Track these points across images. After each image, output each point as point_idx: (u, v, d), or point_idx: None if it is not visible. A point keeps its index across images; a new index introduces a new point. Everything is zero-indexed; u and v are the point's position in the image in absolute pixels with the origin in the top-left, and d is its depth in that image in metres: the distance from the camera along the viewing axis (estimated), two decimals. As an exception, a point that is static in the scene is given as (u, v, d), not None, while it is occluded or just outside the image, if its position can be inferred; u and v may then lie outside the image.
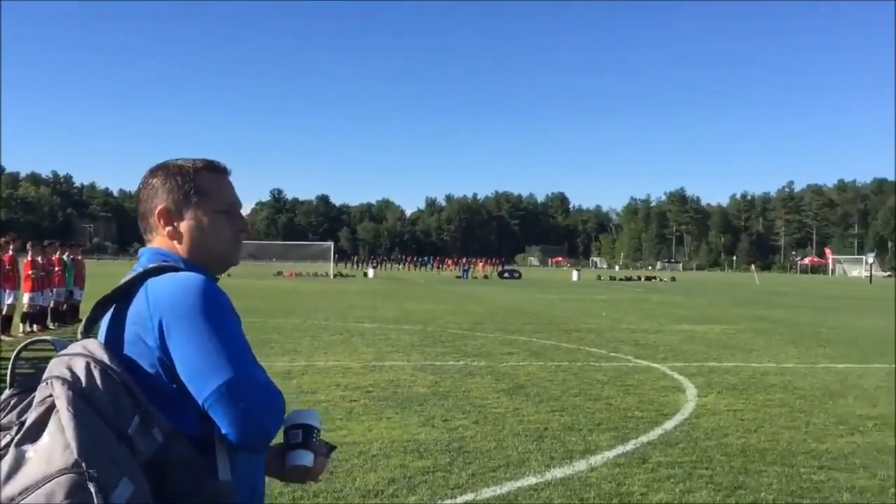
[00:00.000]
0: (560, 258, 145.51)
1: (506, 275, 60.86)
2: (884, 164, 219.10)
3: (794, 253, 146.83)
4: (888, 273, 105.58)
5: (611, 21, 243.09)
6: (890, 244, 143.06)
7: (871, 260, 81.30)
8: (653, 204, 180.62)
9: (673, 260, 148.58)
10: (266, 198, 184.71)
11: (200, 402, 1.44)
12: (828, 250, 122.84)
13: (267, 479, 1.70)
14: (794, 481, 5.25)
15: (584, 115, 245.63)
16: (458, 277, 59.17)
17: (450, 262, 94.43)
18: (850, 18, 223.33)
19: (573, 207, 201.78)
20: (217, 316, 1.48)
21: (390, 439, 6.24)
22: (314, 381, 9.08)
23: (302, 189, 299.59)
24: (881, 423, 7.17)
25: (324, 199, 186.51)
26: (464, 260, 79.72)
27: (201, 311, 1.46)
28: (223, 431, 1.44)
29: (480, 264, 76.57)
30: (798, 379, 9.86)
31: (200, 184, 1.66)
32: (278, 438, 1.66)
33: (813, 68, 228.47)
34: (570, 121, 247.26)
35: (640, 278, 64.09)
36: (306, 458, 1.62)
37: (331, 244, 63.99)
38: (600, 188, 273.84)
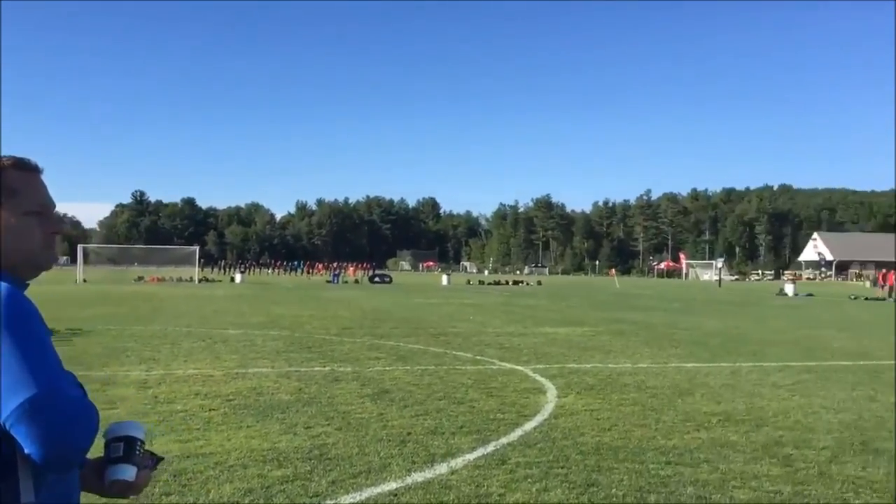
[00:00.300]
0: (431, 262, 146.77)
1: (376, 279, 60.77)
2: (731, 174, 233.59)
3: (651, 258, 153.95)
4: (736, 277, 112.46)
5: (475, 26, 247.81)
6: (738, 250, 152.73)
7: (720, 265, 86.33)
8: (520, 210, 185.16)
9: (540, 264, 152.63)
10: (127, 200, 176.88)
11: (1, 422, 1.34)
12: (682, 255, 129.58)
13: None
14: (642, 477, 5.48)
15: (455, 120, 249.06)
16: (329, 282, 58.59)
17: (320, 266, 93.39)
18: (706, 30, 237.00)
19: (444, 213, 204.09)
20: (20, 327, 1.37)
21: (249, 449, 6.08)
22: (172, 390, 8.75)
23: (166, 191, 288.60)
24: (724, 419, 7.60)
25: (189, 202, 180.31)
26: (334, 264, 79.12)
27: (1, 323, 1.35)
28: (26, 451, 1.34)
29: (351, 269, 76.14)
30: (651, 378, 10.32)
31: (9, 183, 1.54)
32: (100, 451, 1.57)
33: (668, 79, 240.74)
34: (441, 126, 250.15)
35: (507, 282, 65.45)
36: (127, 473, 1.54)
37: (196, 248, 61.77)
38: (470, 194, 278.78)
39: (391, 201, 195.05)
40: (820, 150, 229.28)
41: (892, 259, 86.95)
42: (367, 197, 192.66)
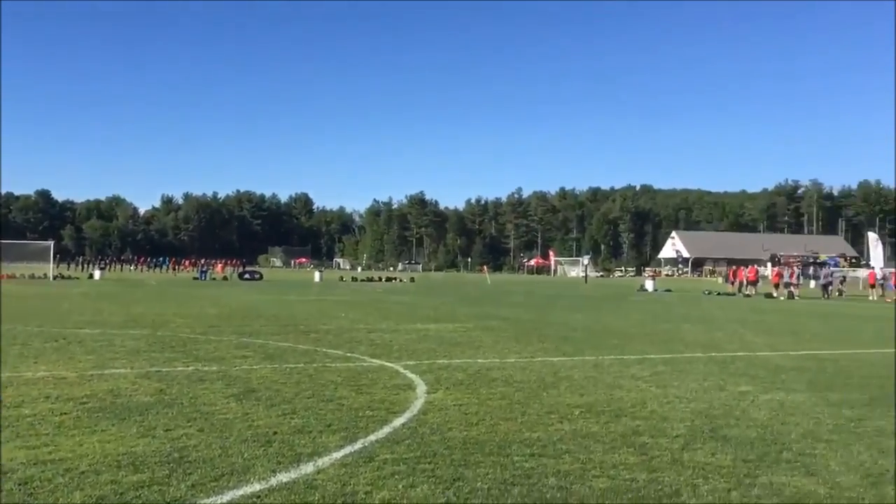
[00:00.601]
0: (303, 259, 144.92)
1: (246, 276, 59.39)
2: (597, 174, 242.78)
3: (522, 255, 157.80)
4: (601, 273, 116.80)
5: (349, 23, 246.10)
6: (603, 247, 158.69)
7: (586, 262, 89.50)
8: (394, 207, 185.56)
9: (413, 261, 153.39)
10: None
11: None
12: (551, 252, 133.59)
13: None
14: (507, 470, 5.58)
15: (327, 116, 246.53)
16: (196, 279, 56.78)
17: (187, 263, 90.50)
18: (574, 32, 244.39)
19: (317, 209, 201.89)
20: None
21: (103, 454, 5.78)
22: (20, 393, 8.21)
23: (18, 183, 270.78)
24: (586, 411, 7.86)
25: (44, 195, 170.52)
26: (202, 261, 76.65)
27: None
28: None
29: (219, 265, 74.12)
30: (518, 373, 10.55)
31: None
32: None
33: (537, 81, 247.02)
34: (315, 122, 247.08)
35: (381, 279, 65.40)
36: None
37: (51, 243, 58.42)
38: (344, 190, 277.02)
39: (262, 196, 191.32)
40: (677, 154, 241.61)
41: (741, 256, 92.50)
42: (237, 191, 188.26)
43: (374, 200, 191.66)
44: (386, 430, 6.81)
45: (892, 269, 51.19)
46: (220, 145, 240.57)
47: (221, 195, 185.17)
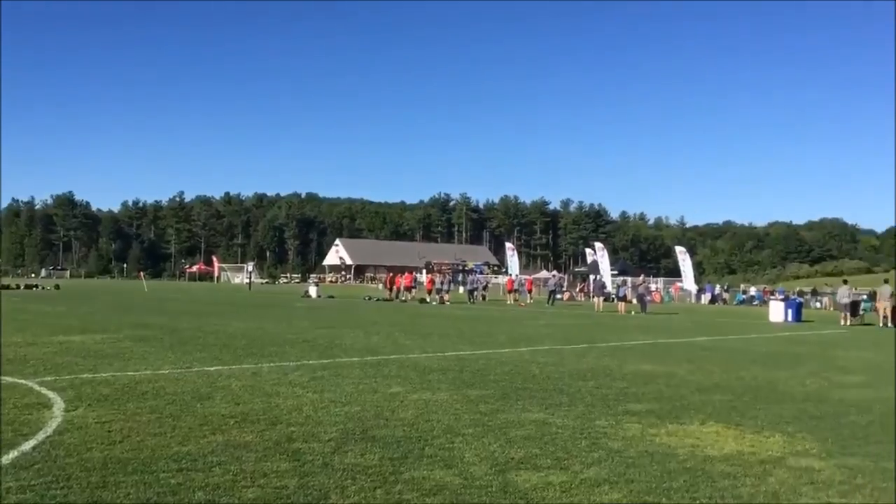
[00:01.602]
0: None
1: None
2: (263, 181, 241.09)
3: (183, 260, 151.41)
4: (266, 280, 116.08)
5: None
6: (268, 253, 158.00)
7: (251, 268, 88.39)
8: (38, 207, 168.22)
9: (60, 267, 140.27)
10: None
11: None
12: (215, 258, 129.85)
13: None
14: (151, 488, 5.29)
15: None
16: None
17: None
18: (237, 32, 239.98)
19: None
20: None
21: None
22: None
23: None
24: (241, 420, 7.74)
25: None
26: None
27: None
28: None
29: None
30: (171, 384, 10.08)
31: None
32: None
33: (193, 81, 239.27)
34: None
35: (19, 286, 58.59)
36: None
37: None
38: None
39: None
40: (342, 165, 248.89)
41: (400, 263, 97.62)
42: None
43: (14, 199, 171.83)
44: (12, 454, 6.11)
45: (527, 277, 57.44)
46: None
47: None
